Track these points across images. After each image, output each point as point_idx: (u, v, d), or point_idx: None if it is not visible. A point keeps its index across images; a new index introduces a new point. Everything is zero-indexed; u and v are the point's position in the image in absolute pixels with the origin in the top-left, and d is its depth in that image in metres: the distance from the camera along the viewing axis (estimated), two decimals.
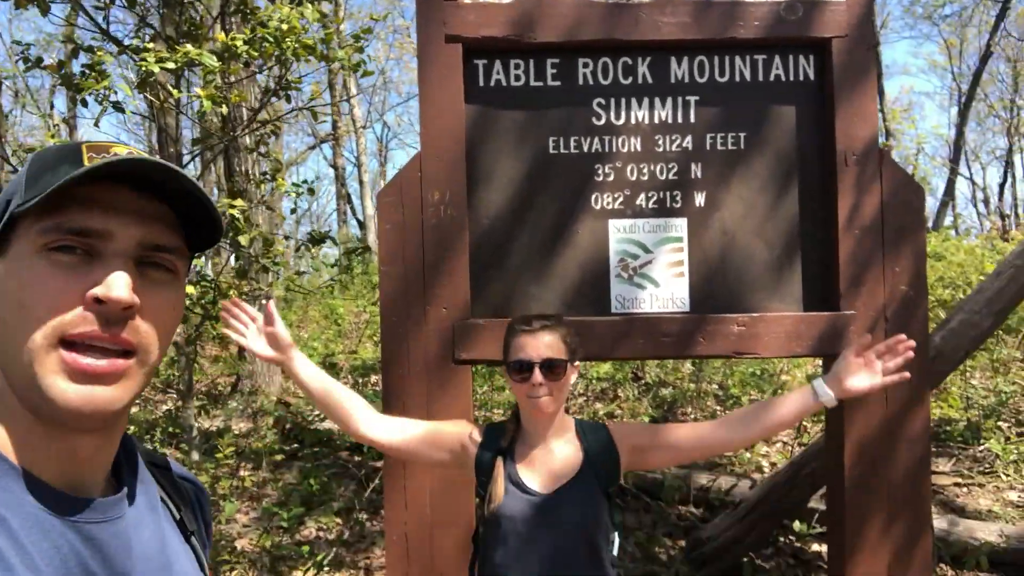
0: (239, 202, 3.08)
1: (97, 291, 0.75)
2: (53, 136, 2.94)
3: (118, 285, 0.75)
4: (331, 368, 9.48)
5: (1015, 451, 5.84)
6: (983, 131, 28.16)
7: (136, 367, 0.80)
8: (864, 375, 1.92)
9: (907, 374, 1.92)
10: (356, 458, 5.43)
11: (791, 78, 2.43)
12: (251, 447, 5.10)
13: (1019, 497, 5.51)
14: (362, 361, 8.97)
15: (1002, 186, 25.38)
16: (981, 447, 6.16)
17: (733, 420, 1.95)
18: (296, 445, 5.81)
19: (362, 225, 28.69)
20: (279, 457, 4.89)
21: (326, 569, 3.55)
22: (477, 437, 1.95)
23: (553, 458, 1.93)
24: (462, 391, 2.36)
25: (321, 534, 4.31)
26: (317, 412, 5.96)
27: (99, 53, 2.79)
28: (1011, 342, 8.00)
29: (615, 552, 1.95)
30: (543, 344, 1.87)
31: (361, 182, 28.84)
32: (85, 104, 2.88)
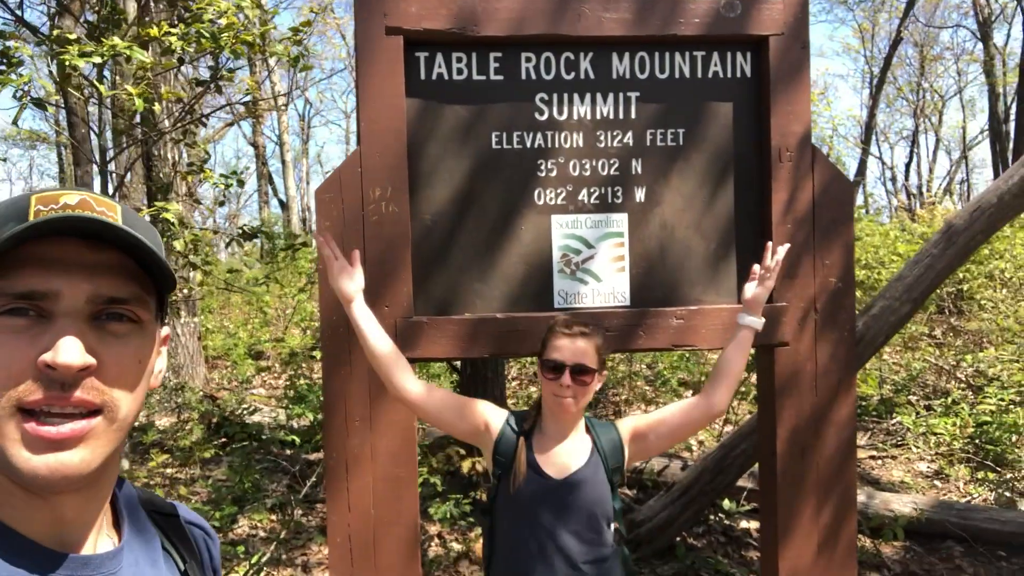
0: (173, 206, 2.94)
1: (46, 357, 0.72)
2: None
3: (67, 349, 0.72)
4: (258, 357, 9.24)
5: (924, 424, 6.18)
6: (891, 112, 29.53)
7: (104, 424, 0.76)
8: (756, 286, 2.15)
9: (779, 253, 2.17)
10: (288, 452, 5.32)
11: (729, 75, 2.46)
12: (177, 443, 4.92)
13: (927, 468, 5.85)
14: (290, 349, 8.78)
15: (908, 165, 26.77)
16: (894, 421, 6.50)
17: (707, 387, 2.12)
18: (224, 440, 5.65)
19: (284, 205, 27.98)
20: (208, 454, 4.74)
21: (263, 568, 3.47)
22: (501, 420, 2.10)
23: (566, 449, 2.08)
24: None
25: (255, 532, 4.21)
26: (246, 405, 5.80)
27: (16, 45, 2.59)
28: (920, 319, 8.45)
29: (614, 533, 2.12)
30: (578, 349, 2.00)
31: (283, 161, 28.08)
32: (15, 97, 2.66)
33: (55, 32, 2.51)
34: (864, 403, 6.79)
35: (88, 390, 0.74)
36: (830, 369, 2.62)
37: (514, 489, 2.02)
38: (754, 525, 4.76)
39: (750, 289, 2.15)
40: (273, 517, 4.37)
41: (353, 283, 1.97)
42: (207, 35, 2.70)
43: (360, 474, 2.37)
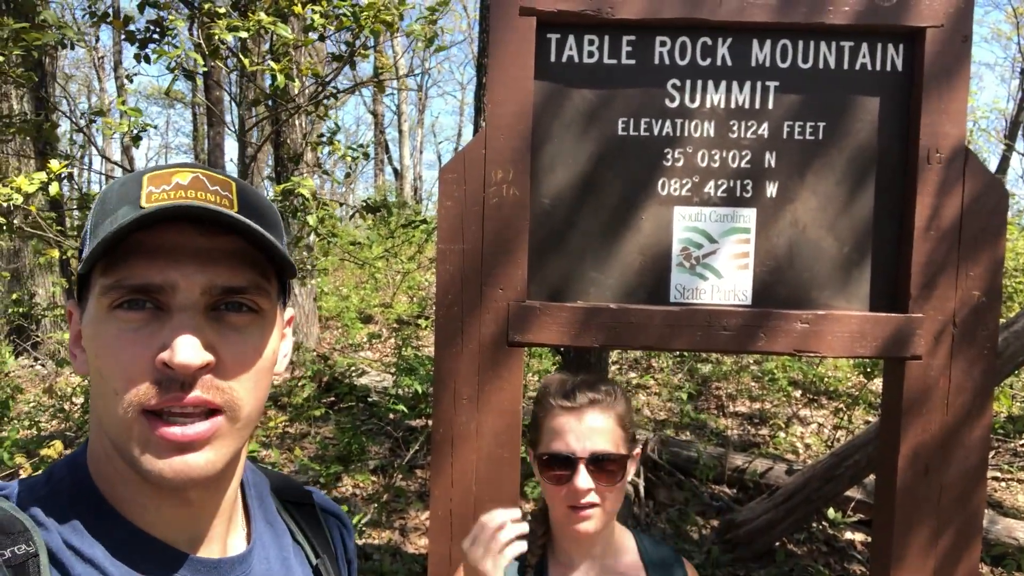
0: (308, 181, 3.03)
1: (163, 356, 0.71)
2: (124, 103, 2.89)
3: (184, 348, 0.71)
4: (367, 320, 9.55)
5: None
6: None
7: (227, 424, 0.75)
8: None
9: None
10: (391, 416, 5.49)
11: (878, 68, 2.30)
12: (291, 400, 5.16)
13: None
14: (397, 315, 9.01)
15: None
16: (1022, 441, 6.03)
17: None
18: (333, 398, 5.88)
19: (398, 174, 28.68)
20: (318, 412, 4.95)
21: (363, 530, 3.60)
22: None
23: None
24: (514, 374, 2.34)
25: (358, 492, 4.37)
26: (354, 368, 6.01)
27: (171, 17, 2.74)
28: None
29: None
30: (591, 429, 1.40)
31: (400, 131, 28.72)
32: (148, 60, 2.83)
33: (206, 5, 2.63)
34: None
35: (208, 389, 0.73)
36: (964, 388, 2.44)
37: None
38: (859, 538, 4.55)
39: None
40: (375, 479, 4.52)
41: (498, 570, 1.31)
42: (348, 13, 2.76)
43: (465, 451, 2.40)
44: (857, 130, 2.31)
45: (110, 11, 2.93)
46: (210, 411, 0.74)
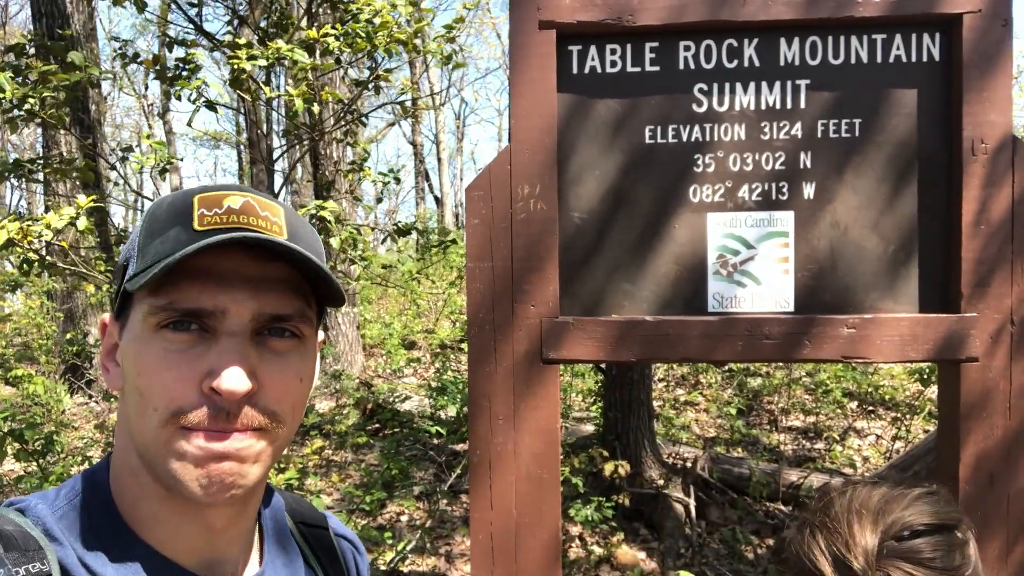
0: (330, 204, 3.06)
1: (212, 383, 0.72)
2: (148, 137, 3.00)
3: (231, 377, 0.72)
4: (411, 347, 9.58)
5: None
6: None
7: (265, 445, 0.77)
8: None
9: None
10: (435, 441, 5.46)
11: (913, 59, 2.22)
12: (334, 428, 5.17)
13: None
14: (440, 340, 9.02)
15: None
16: None
17: None
18: (377, 425, 5.88)
19: (439, 202, 28.98)
20: (361, 439, 4.95)
21: (407, 556, 3.56)
22: None
23: None
24: (550, 392, 2.29)
25: (402, 518, 4.34)
26: (397, 393, 6.01)
27: (192, 52, 2.80)
28: None
29: None
30: None
31: (439, 159, 29.07)
32: (180, 98, 2.90)
33: (226, 38, 2.68)
34: None
35: (250, 416, 0.75)
36: None
37: None
38: None
39: None
40: (420, 505, 4.49)
41: None
42: (362, 35, 2.78)
43: (503, 473, 2.35)
44: (895, 125, 2.23)
45: (139, 53, 3.02)
46: (250, 429, 0.76)
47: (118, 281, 0.79)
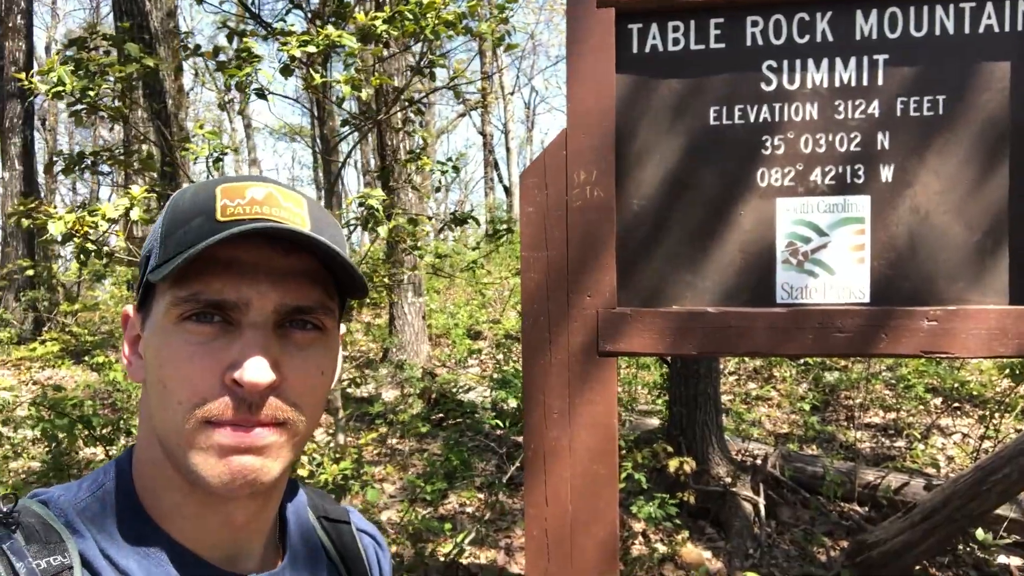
0: (376, 192, 3.04)
1: (235, 375, 0.72)
2: (201, 127, 3.04)
3: (255, 369, 0.72)
4: (476, 337, 9.60)
5: None
6: None
7: (287, 438, 0.76)
8: None
9: None
10: (498, 433, 5.43)
11: (1007, 28, 2.04)
12: (399, 418, 5.21)
13: None
14: (505, 331, 9.01)
15: None
16: None
17: None
18: (441, 415, 5.89)
19: (508, 191, 29.00)
20: (424, 429, 4.96)
21: (464, 548, 3.54)
22: None
23: None
24: (607, 385, 2.21)
25: (464, 509, 4.32)
26: (461, 384, 6.01)
27: (246, 40, 2.82)
28: None
29: None
30: None
31: (508, 149, 29.11)
32: (240, 89, 2.93)
33: (278, 26, 2.69)
34: None
35: (273, 407, 0.74)
36: None
37: None
38: (1016, 562, 4.09)
39: None
40: (480, 496, 4.47)
41: None
42: (410, 16, 2.74)
43: (558, 468, 2.29)
44: (985, 101, 2.05)
45: (200, 45, 3.07)
46: (272, 423, 0.75)
47: (141, 272, 0.80)
